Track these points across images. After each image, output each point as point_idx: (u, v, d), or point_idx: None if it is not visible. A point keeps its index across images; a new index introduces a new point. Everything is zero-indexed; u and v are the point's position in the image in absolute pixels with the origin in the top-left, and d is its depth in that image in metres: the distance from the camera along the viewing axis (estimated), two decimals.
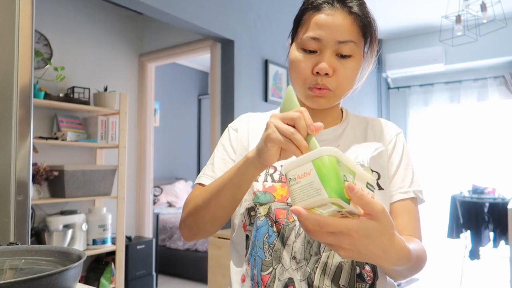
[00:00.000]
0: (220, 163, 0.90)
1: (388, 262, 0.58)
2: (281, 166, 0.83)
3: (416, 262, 0.68)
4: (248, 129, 0.92)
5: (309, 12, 0.79)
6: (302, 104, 0.89)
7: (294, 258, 0.78)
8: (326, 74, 0.77)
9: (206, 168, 0.91)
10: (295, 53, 0.81)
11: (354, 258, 0.56)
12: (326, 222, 0.52)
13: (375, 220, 0.53)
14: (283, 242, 0.79)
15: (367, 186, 0.58)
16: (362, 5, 0.79)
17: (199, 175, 0.91)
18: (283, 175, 0.82)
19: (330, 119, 0.89)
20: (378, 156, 0.86)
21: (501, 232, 3.64)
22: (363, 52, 0.81)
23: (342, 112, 0.94)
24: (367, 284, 0.79)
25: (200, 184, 0.89)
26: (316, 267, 0.77)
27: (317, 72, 0.77)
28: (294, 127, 0.63)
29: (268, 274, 0.79)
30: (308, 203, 0.54)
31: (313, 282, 0.77)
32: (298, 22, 0.82)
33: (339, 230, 0.52)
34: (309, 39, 0.77)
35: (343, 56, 0.77)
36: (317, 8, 0.78)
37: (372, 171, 0.84)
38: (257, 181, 0.84)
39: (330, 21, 0.76)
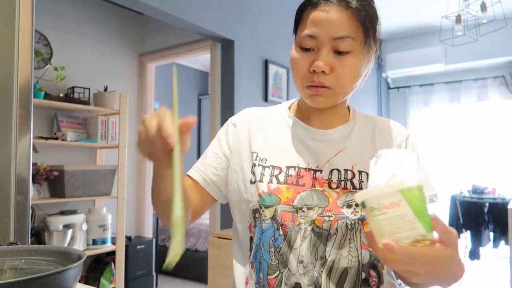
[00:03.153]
0: (212, 157, 0.89)
1: (450, 283, 0.63)
2: (286, 167, 0.81)
3: None
4: (250, 126, 0.89)
5: (307, 9, 0.77)
6: (303, 104, 0.87)
7: (301, 262, 0.76)
8: (323, 72, 0.75)
9: (198, 162, 0.90)
10: (294, 51, 0.79)
11: (422, 282, 0.59)
12: (420, 253, 0.54)
13: (450, 247, 0.56)
14: (290, 246, 0.77)
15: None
16: None
17: (192, 167, 0.90)
18: (288, 176, 0.80)
19: (336, 118, 0.87)
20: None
21: (501, 232, 3.64)
22: (363, 48, 0.77)
23: (349, 110, 0.91)
24: None
25: (188, 176, 0.88)
26: (322, 271, 0.76)
27: (314, 70, 0.75)
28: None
29: (274, 278, 0.78)
30: (401, 236, 0.53)
31: (320, 286, 0.76)
32: (298, 20, 0.81)
33: (429, 260, 0.54)
34: (305, 37, 0.76)
35: (340, 53, 0.75)
36: (314, 5, 0.76)
37: None
38: (262, 182, 0.81)
39: (325, 17, 0.74)
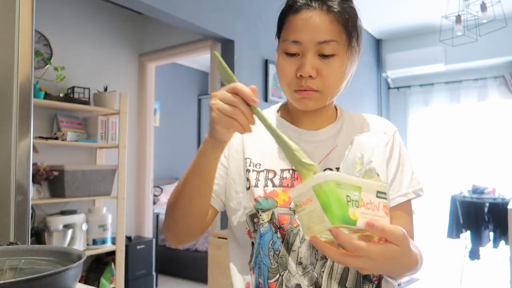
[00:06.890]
0: None
1: (401, 274, 0.68)
2: (280, 170, 0.83)
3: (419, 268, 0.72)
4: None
5: (289, 15, 0.78)
6: (292, 107, 0.88)
7: (300, 263, 0.77)
8: (310, 76, 0.76)
9: None
10: (279, 57, 0.81)
11: (372, 273, 0.65)
12: (361, 246, 0.55)
13: (398, 245, 0.58)
14: (288, 248, 0.78)
15: (377, 196, 0.59)
16: (342, 1, 0.77)
17: None
18: (283, 178, 0.82)
19: (324, 118, 0.88)
20: (375, 155, 0.84)
21: (501, 232, 3.64)
22: (347, 49, 0.78)
23: (336, 110, 0.92)
24: (374, 285, 0.79)
25: None
26: (323, 271, 0.77)
27: (301, 75, 0.76)
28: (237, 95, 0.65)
29: (275, 281, 0.78)
30: (315, 230, 0.56)
31: (320, 286, 0.76)
32: (280, 25, 0.81)
33: (370, 255, 0.56)
34: (290, 42, 0.77)
35: (326, 56, 0.76)
36: (296, 10, 0.76)
37: None
38: (258, 187, 0.82)
39: (308, 22, 0.75)
